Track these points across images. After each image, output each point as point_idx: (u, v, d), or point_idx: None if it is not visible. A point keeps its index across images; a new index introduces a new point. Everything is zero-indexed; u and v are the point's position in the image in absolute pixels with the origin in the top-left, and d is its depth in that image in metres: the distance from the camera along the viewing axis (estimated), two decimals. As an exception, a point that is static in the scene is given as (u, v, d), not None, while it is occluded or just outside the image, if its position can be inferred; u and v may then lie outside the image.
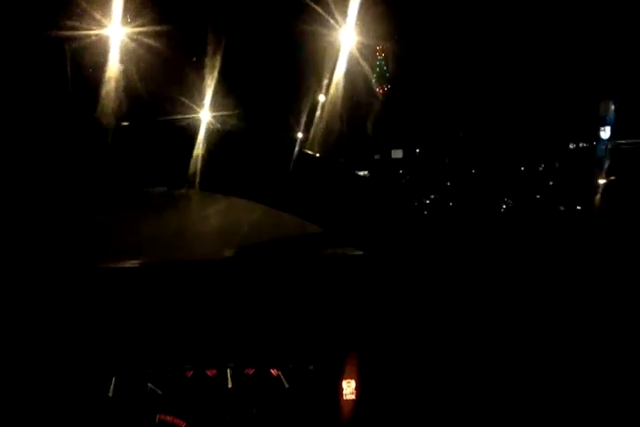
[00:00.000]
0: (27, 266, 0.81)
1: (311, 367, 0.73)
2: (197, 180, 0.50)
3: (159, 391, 0.72)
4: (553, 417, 0.62)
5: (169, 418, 0.72)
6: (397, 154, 16.93)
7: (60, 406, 0.71)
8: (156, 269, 0.85)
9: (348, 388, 0.72)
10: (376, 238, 0.49)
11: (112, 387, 0.72)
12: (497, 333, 0.55)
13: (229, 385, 0.73)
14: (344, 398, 0.72)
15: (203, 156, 0.47)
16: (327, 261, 0.80)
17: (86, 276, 0.82)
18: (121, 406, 0.71)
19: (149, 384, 0.72)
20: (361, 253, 0.52)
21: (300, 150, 0.48)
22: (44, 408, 0.70)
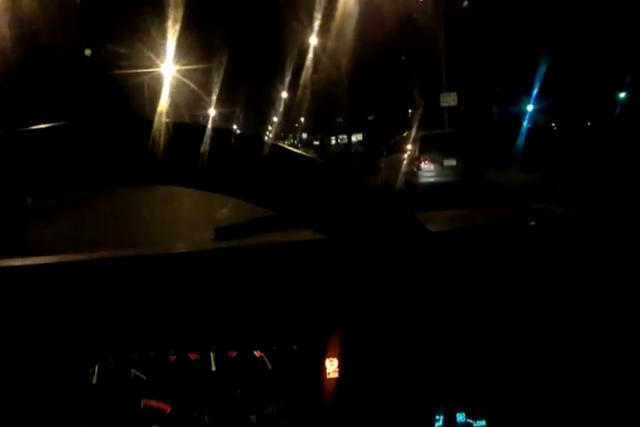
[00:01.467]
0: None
1: (294, 347, 0.74)
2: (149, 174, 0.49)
3: (143, 377, 0.72)
4: (542, 392, 0.62)
5: (154, 403, 0.72)
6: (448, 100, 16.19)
7: (43, 395, 0.70)
8: (134, 256, 0.84)
9: (331, 366, 0.73)
10: (348, 220, 0.49)
11: (95, 374, 0.71)
12: (479, 308, 0.55)
13: (213, 368, 0.73)
14: (327, 376, 0.73)
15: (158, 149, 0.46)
16: (303, 243, 0.79)
17: (66, 265, 0.82)
18: (105, 392, 0.71)
19: (133, 370, 0.72)
20: (333, 235, 0.50)
21: (252, 136, 0.48)
22: (25, 398, 0.70)
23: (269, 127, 41.89)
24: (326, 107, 34.01)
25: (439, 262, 0.51)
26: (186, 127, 0.48)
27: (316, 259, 0.75)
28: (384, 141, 18.44)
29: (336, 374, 0.73)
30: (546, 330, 0.65)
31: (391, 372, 0.68)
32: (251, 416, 0.72)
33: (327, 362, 0.73)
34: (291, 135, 53.28)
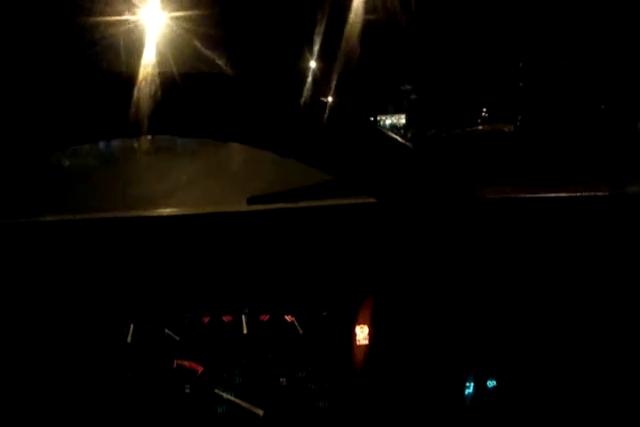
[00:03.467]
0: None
1: (325, 313, 0.74)
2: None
3: (176, 337, 0.74)
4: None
5: (186, 363, 0.73)
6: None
7: (79, 352, 0.72)
8: (170, 218, 0.85)
9: (362, 333, 0.73)
10: (388, 186, 0.48)
11: (130, 333, 0.73)
12: (518, 279, 0.54)
13: (245, 331, 0.74)
14: (357, 343, 0.73)
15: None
16: (339, 209, 0.79)
17: (101, 224, 0.83)
18: (139, 351, 0.73)
19: (167, 330, 0.74)
20: (372, 200, 0.50)
21: (293, 92, 0.46)
22: (62, 355, 0.72)
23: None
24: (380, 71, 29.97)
25: (486, 229, 0.50)
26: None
27: (354, 224, 0.75)
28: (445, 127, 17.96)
29: (366, 342, 0.73)
30: (580, 307, 0.63)
31: (421, 340, 0.68)
32: (280, 379, 0.73)
33: (357, 329, 0.73)
34: None
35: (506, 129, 17.13)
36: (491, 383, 0.65)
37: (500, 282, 0.52)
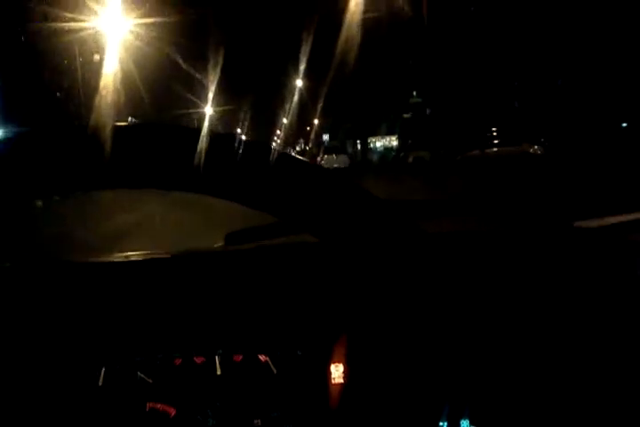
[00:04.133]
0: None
1: (299, 353, 0.74)
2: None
3: (149, 380, 0.73)
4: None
5: (159, 406, 0.72)
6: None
7: (50, 396, 0.71)
8: (141, 260, 0.86)
9: (337, 372, 0.72)
10: (325, 225, 0.49)
11: (102, 376, 0.72)
12: (478, 312, 0.54)
13: (218, 372, 0.73)
14: (333, 382, 0.72)
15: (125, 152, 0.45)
16: (306, 247, 0.79)
17: (71, 269, 0.83)
18: (111, 395, 0.72)
19: (139, 373, 0.73)
20: (330, 239, 0.50)
21: (240, 139, 0.47)
22: (32, 399, 0.71)
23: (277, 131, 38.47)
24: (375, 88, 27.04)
25: (437, 265, 0.50)
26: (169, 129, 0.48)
27: (321, 263, 0.75)
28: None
29: (341, 380, 0.72)
30: (543, 335, 0.64)
31: (396, 378, 0.68)
32: (255, 421, 0.72)
33: (332, 367, 0.72)
34: (301, 140, 48.64)
35: (531, 150, 15.91)
36: (464, 423, 0.65)
37: (459, 316, 0.53)
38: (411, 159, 21.54)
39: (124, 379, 0.72)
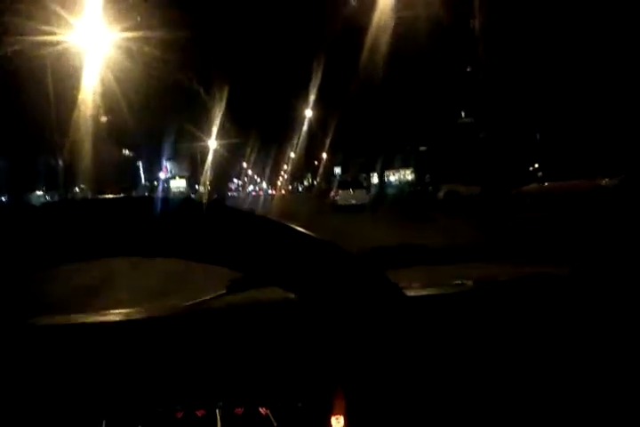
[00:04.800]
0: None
1: (300, 405, 0.74)
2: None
3: None
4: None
5: None
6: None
7: None
8: (138, 317, 0.86)
9: (337, 424, 0.72)
10: (321, 283, 0.50)
11: None
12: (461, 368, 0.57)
13: (219, 425, 0.73)
14: None
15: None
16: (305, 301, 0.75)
17: (75, 325, 0.84)
18: None
19: (140, 426, 0.73)
20: (306, 297, 0.52)
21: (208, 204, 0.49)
22: None
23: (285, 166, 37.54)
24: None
25: (414, 328, 0.52)
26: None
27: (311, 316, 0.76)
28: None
29: None
30: (531, 394, 0.70)
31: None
32: None
33: (333, 420, 0.72)
34: (308, 174, 47.39)
35: (603, 182, 12.93)
36: None
37: (442, 372, 0.55)
38: (442, 194, 19.26)
39: None
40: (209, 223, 0.47)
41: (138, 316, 0.85)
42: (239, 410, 0.73)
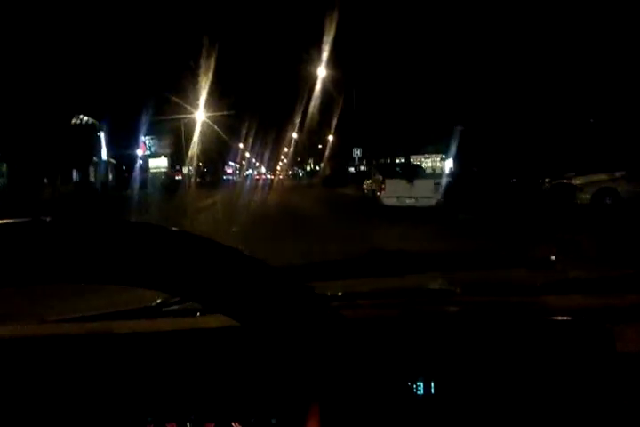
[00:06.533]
0: None
1: (273, 421, 0.74)
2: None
3: None
4: None
5: None
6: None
7: None
8: (106, 334, 0.84)
9: None
10: (255, 306, 0.51)
11: None
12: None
13: None
14: None
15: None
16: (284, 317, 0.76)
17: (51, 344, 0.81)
18: None
19: None
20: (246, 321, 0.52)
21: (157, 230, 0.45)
22: None
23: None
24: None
25: (354, 352, 0.53)
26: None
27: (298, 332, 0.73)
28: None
29: None
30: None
31: None
32: None
33: None
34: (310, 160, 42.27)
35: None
36: None
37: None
38: (587, 197, 12.99)
39: None
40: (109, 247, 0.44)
41: (105, 329, 0.85)
42: (210, 425, 0.73)
